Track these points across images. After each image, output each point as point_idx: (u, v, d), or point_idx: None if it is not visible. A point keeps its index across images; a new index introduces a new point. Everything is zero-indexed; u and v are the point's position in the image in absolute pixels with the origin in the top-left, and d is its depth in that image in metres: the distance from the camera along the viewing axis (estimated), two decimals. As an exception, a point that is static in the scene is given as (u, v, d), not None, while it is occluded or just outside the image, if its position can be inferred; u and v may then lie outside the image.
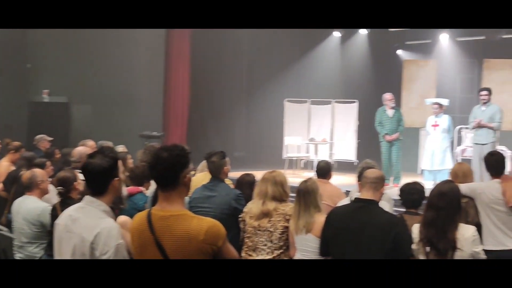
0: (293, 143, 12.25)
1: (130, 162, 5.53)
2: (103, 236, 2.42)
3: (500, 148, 10.17)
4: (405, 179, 8.26)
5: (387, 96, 9.71)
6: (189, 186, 2.54)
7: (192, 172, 3.20)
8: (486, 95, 8.55)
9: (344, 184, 8.07)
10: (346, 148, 12.81)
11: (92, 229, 2.45)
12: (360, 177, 3.86)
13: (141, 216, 2.53)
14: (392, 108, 9.61)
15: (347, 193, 5.44)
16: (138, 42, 10.85)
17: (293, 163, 11.84)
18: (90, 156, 2.60)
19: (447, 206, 3.26)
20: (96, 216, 2.50)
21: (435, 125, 9.41)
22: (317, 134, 12.72)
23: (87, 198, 2.57)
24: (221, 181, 4.33)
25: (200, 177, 4.90)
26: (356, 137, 12.68)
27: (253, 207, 3.94)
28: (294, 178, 8.86)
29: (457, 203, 3.33)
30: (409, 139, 10.29)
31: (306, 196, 3.76)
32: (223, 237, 2.44)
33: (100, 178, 2.54)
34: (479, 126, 8.45)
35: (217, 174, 4.33)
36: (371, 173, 3.48)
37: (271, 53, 13.21)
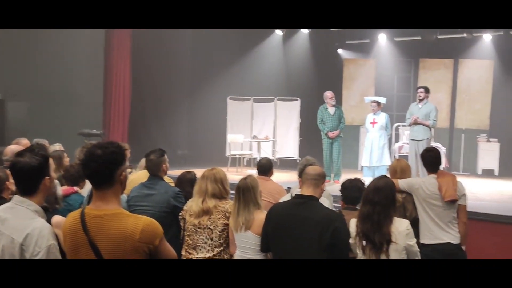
0: (236, 140, 12.23)
1: (67, 161, 5.32)
2: (34, 237, 2.32)
3: (435, 145, 10.54)
4: (346, 176, 8.37)
5: (328, 94, 9.85)
6: (125, 184, 2.46)
7: (129, 170, 3.10)
8: (422, 92, 8.82)
9: (286, 181, 8.09)
10: (289, 145, 12.92)
11: (22, 230, 2.35)
12: (301, 174, 3.85)
13: (74, 215, 2.42)
14: (333, 106, 9.76)
15: (289, 189, 5.45)
16: (76, 38, 10.50)
17: (236, 161, 11.82)
18: (19, 154, 2.48)
19: (383, 201, 3.32)
20: (27, 217, 2.39)
21: (373, 123, 9.63)
22: (260, 132, 12.76)
23: (16, 197, 2.45)
24: (160, 179, 4.24)
25: (139, 175, 4.78)
26: (298, 135, 12.81)
27: (193, 204, 3.87)
28: (237, 175, 8.83)
29: (392, 198, 3.39)
30: (349, 137, 10.50)
31: (246, 193, 3.72)
32: (160, 236, 2.37)
33: (29, 177, 2.43)
34: (415, 123, 8.71)
35: (156, 172, 4.24)
36: (312, 169, 3.48)
37: (213, 50, 13.13)
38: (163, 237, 2.40)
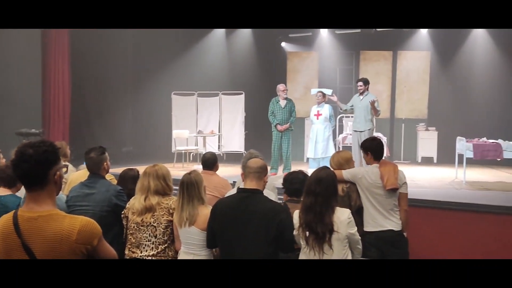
0: (182, 136, 12.09)
1: (3, 162, 5.10)
2: None
3: (377, 135, 10.78)
4: (293, 168, 8.48)
5: (280, 87, 9.89)
6: (60, 184, 2.36)
7: (64, 169, 2.98)
8: (361, 86, 9.01)
9: (232, 175, 8.07)
10: (234, 139, 12.91)
11: None
12: (244, 168, 3.83)
13: (6, 218, 2.32)
14: (285, 99, 9.80)
15: (234, 183, 5.43)
16: (12, 37, 10.07)
17: (182, 156, 11.70)
18: None
19: (324, 191, 3.34)
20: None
21: (318, 115, 9.74)
22: (205, 127, 12.68)
23: None
24: (100, 178, 4.10)
25: (79, 174, 4.63)
26: (243, 128, 12.82)
27: (135, 202, 3.78)
28: (184, 171, 8.73)
29: (333, 188, 3.41)
30: (295, 129, 10.52)
31: (190, 188, 3.67)
32: (98, 236, 2.29)
33: None
34: (373, 105, 8.76)
35: (96, 170, 4.10)
36: (253, 163, 3.47)
37: (156, 46, 12.92)
38: (102, 237, 2.32)
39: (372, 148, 4.65)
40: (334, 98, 9.29)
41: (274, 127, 9.83)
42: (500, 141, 9.30)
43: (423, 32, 13.06)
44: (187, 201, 3.64)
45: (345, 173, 4.54)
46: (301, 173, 4.28)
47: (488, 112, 12.81)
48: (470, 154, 9.14)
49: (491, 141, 9.35)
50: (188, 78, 13.33)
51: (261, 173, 3.43)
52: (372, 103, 8.70)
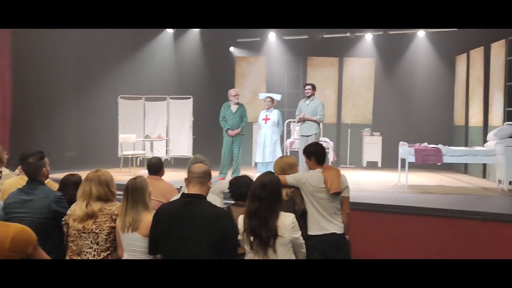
0: (128, 140, 11.91)
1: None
2: None
3: (323, 140, 10.95)
4: (242, 172, 8.50)
5: (232, 92, 9.91)
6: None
7: (-1, 175, 2.88)
8: (309, 89, 9.15)
9: (180, 180, 7.94)
10: (182, 144, 12.82)
11: None
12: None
13: None
14: (236, 104, 9.81)
15: (181, 189, 5.38)
16: None
17: (128, 161, 11.51)
18: None
19: (268, 196, 3.36)
20: None
21: (266, 119, 9.81)
22: (153, 131, 12.54)
23: None
24: (39, 184, 3.97)
25: (15, 180, 4.47)
26: (191, 133, 12.75)
27: (76, 209, 3.68)
28: (130, 176, 8.60)
29: (278, 193, 3.44)
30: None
31: (134, 193, 3.61)
32: (33, 244, 2.22)
33: None
34: (304, 119, 8.99)
35: (35, 176, 3.97)
36: (196, 168, 3.45)
37: (102, 48, 12.65)
38: (37, 245, 2.26)
39: (314, 153, 4.71)
40: (302, 117, 9.24)
41: (225, 132, 9.83)
42: (440, 146, 9.64)
43: (368, 39, 13.39)
44: (131, 206, 3.58)
45: (289, 178, 4.58)
46: (246, 177, 4.29)
47: (430, 117, 13.26)
48: (412, 159, 9.42)
49: (432, 146, 9.68)
50: (135, 81, 13.14)
51: (204, 178, 3.42)
52: (303, 117, 8.99)
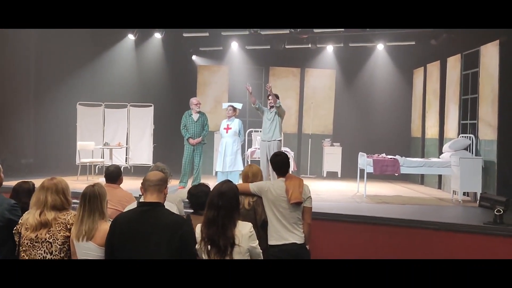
0: (87, 148, 11.68)
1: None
2: None
3: (284, 150, 11.01)
4: (203, 181, 8.44)
5: (193, 100, 9.90)
6: None
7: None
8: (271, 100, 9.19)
9: (140, 189, 7.91)
10: (142, 152, 12.67)
11: None
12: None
13: None
14: (198, 112, 9.79)
15: (140, 197, 5.31)
16: None
17: (87, 169, 11.29)
18: None
19: (226, 205, 3.36)
20: None
21: (227, 128, 9.78)
22: (113, 139, 12.34)
23: None
24: (-8, 191, 3.86)
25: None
26: (152, 141, 12.61)
27: (29, 217, 3.57)
28: (88, 184, 8.43)
29: (236, 202, 3.44)
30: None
31: (92, 201, 3.54)
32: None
33: None
34: (271, 91, 8.93)
35: (-13, 183, 3.85)
36: (152, 176, 3.42)
37: (62, 52, 12.36)
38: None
39: (276, 164, 4.74)
40: (249, 89, 9.25)
41: (186, 141, 9.77)
42: (397, 157, 9.83)
43: (329, 51, 13.57)
44: (88, 215, 3.51)
45: (252, 186, 4.59)
46: (205, 185, 4.27)
47: (388, 128, 13.52)
48: (370, 169, 9.58)
49: (389, 157, 9.86)
50: (95, 88, 12.92)
51: (161, 185, 3.40)
52: (269, 88, 8.96)
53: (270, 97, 9.21)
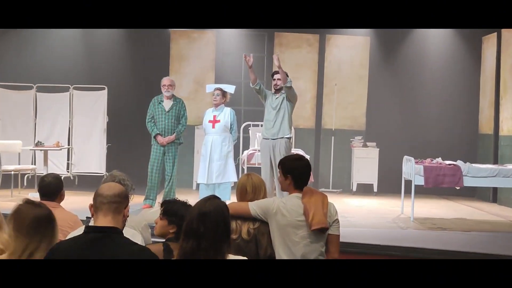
0: (11, 149, 11.63)
1: None
2: None
3: (296, 152, 11.01)
4: (178, 197, 8.40)
5: (165, 81, 9.88)
6: None
7: None
8: (279, 79, 9.18)
9: (87, 208, 7.87)
10: (92, 155, 12.66)
11: None
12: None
13: None
14: (171, 98, 9.78)
15: (88, 220, 5.31)
16: None
17: (12, 180, 11.27)
18: None
19: (210, 232, 3.25)
20: None
21: (214, 121, 9.76)
22: (48, 137, 12.33)
23: None
24: None
25: None
26: (105, 139, 12.57)
27: None
28: (14, 201, 8.41)
29: (224, 227, 3.32)
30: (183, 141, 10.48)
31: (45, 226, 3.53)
32: None
33: None
34: (279, 64, 8.96)
35: None
36: (107, 189, 3.38)
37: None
38: None
39: (294, 170, 4.72)
40: (250, 61, 9.16)
41: (153, 139, 9.76)
42: (459, 162, 9.80)
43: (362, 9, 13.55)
44: (21, 241, 3.51)
45: (253, 206, 4.54)
46: (181, 204, 4.27)
47: (445, 122, 13.50)
48: (420, 181, 9.56)
49: (447, 162, 9.84)
50: (22, 64, 12.91)
51: (119, 203, 3.36)
52: (277, 58, 9.02)
53: (275, 77, 9.18)
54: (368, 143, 13.54)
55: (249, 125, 13.12)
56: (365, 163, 13.28)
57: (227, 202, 3.99)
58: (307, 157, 12.06)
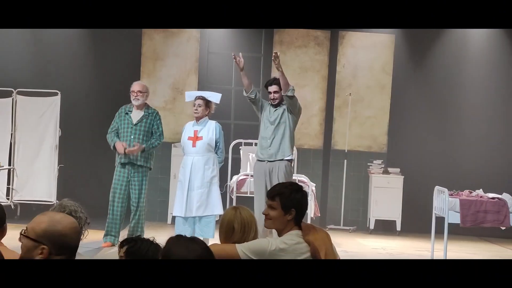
0: None
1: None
2: None
3: (298, 178, 10.99)
4: (148, 234, 8.35)
5: (136, 86, 9.83)
6: None
7: None
8: (276, 90, 9.21)
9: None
10: (39, 179, 12.63)
11: None
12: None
13: None
14: (141, 108, 9.85)
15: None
16: None
17: None
18: None
19: None
20: None
21: (196, 138, 9.74)
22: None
23: None
24: None
25: None
26: (56, 158, 12.55)
27: None
28: None
29: None
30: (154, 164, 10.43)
31: None
32: None
33: None
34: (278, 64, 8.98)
35: None
36: (37, 223, 3.39)
37: None
38: None
39: (301, 204, 4.78)
40: (241, 63, 9.25)
41: (117, 159, 9.74)
42: (505, 196, 9.79)
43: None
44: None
45: (242, 250, 4.54)
46: (149, 243, 4.25)
47: (487, 144, 13.50)
48: (456, 218, 9.55)
49: (490, 195, 9.83)
50: None
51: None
52: (276, 59, 8.93)
53: (271, 89, 9.18)
54: (390, 169, 13.53)
55: (240, 144, 13.09)
56: (386, 194, 13.27)
57: (210, 242, 3.99)
58: (313, 185, 12.14)
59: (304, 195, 4.84)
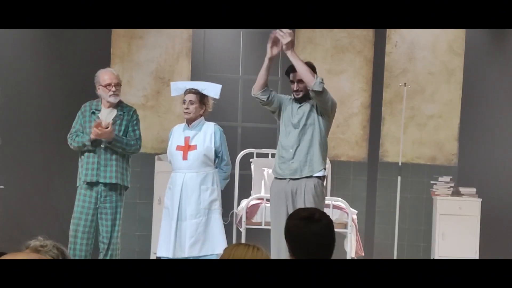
0: None
1: None
2: None
3: (333, 202, 11.05)
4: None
5: (107, 75, 9.86)
6: None
7: None
8: (300, 82, 9.22)
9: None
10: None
11: None
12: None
13: None
14: (113, 105, 9.90)
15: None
16: None
17: None
18: None
19: None
20: None
21: (187, 148, 9.79)
22: None
23: None
24: None
25: None
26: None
27: None
28: None
29: None
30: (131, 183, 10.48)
31: None
32: None
33: None
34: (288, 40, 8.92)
35: None
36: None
37: None
38: None
39: (308, 239, 4.89)
40: (276, 48, 8.95)
41: (80, 173, 9.83)
42: None
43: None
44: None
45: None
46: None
47: None
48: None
49: None
50: None
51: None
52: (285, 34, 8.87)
53: (292, 77, 9.19)
54: (462, 189, 13.60)
55: (250, 155, 13.13)
56: (457, 223, 13.35)
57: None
58: (353, 213, 12.18)
59: (317, 230, 4.93)
